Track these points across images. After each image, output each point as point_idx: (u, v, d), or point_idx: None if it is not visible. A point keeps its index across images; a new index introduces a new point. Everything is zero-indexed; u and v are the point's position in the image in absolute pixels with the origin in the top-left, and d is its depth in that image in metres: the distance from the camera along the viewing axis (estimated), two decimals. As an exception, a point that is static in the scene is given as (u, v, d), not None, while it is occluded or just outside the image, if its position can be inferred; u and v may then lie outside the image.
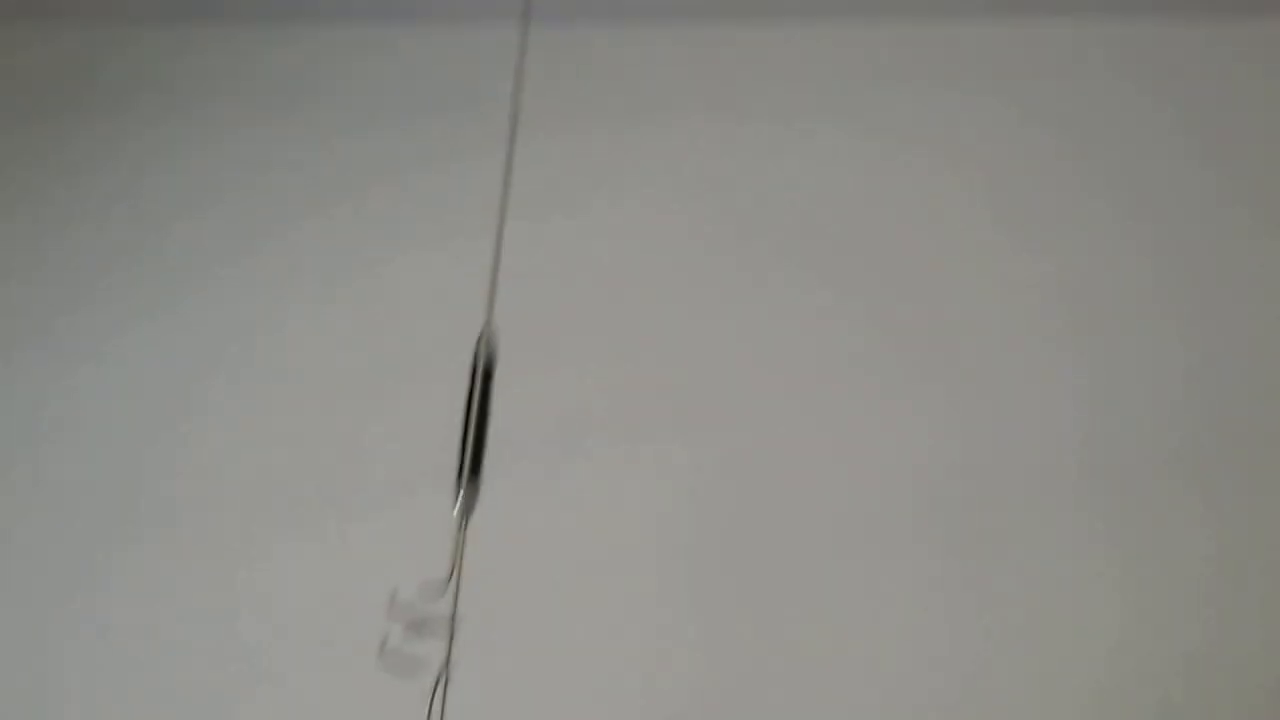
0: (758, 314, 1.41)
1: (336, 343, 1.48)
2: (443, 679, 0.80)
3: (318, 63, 1.64)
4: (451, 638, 0.81)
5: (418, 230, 1.51)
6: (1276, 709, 1.17)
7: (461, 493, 0.83)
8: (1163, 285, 1.35)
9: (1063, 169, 1.43)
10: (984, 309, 1.38)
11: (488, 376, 0.84)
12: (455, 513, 0.82)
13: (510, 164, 0.97)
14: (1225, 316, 1.33)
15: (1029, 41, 1.48)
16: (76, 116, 1.68)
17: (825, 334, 1.39)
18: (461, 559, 0.82)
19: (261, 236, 1.56)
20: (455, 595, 0.81)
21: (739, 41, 1.55)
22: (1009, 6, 1.47)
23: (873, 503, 1.31)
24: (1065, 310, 1.36)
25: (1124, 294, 1.35)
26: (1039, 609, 1.24)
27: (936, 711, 1.22)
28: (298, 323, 1.50)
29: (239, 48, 1.67)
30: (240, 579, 1.38)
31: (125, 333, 1.56)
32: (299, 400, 1.45)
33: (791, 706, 1.25)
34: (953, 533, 1.28)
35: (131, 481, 1.48)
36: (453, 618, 0.81)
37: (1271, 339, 1.31)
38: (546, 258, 1.41)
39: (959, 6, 1.49)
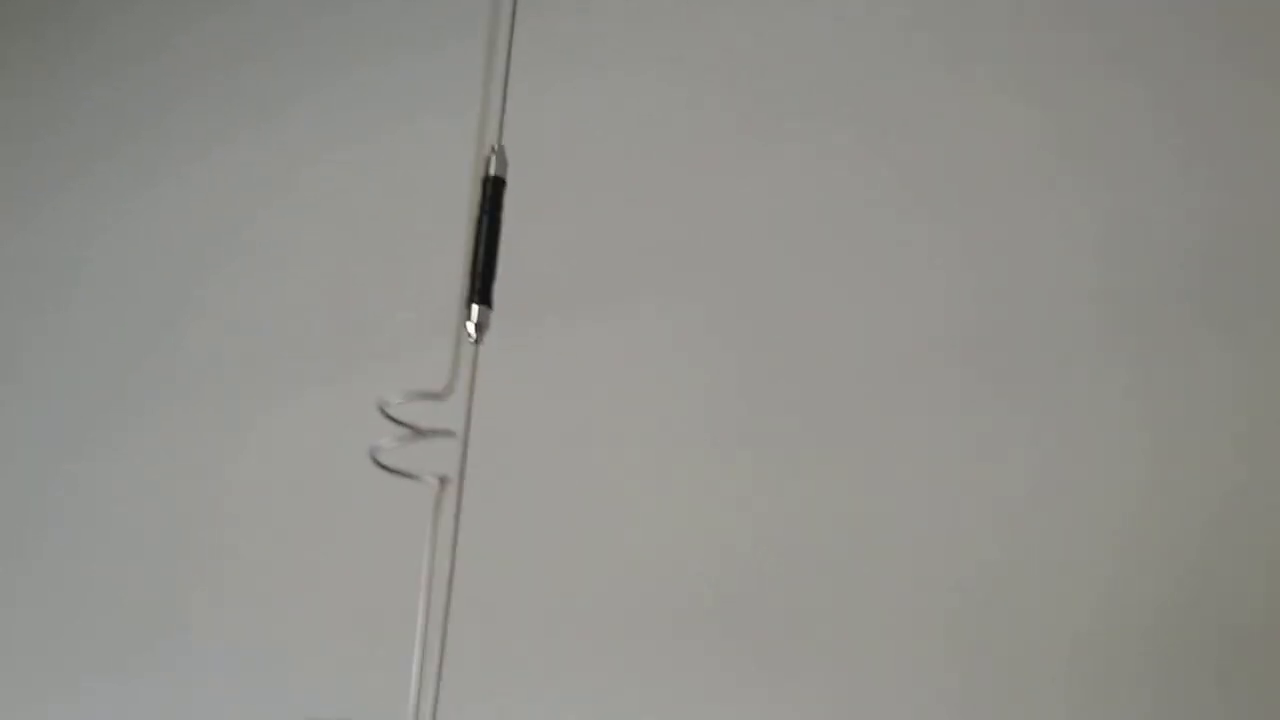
0: (770, 169, 1.39)
1: (342, 205, 1.48)
2: (453, 490, 0.76)
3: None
4: (464, 455, 0.78)
5: (423, 96, 1.49)
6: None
7: (475, 309, 0.79)
8: (1171, 123, 1.31)
9: (1066, 20, 1.39)
10: (994, 159, 1.34)
11: (499, 187, 0.81)
12: (470, 326, 0.78)
13: (514, 23, 0.93)
14: (1235, 150, 1.28)
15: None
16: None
17: (839, 188, 1.37)
18: (475, 373, 0.79)
19: (271, 101, 1.56)
20: (468, 409, 0.78)
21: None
22: None
23: (895, 351, 1.29)
24: (1075, 154, 1.32)
25: (1132, 135, 1.31)
26: (1065, 453, 1.21)
27: (964, 554, 1.21)
28: (305, 187, 1.51)
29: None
30: (247, 436, 1.38)
31: (134, 197, 1.57)
32: (307, 262, 1.45)
33: (820, 547, 1.24)
34: (976, 375, 1.26)
35: (140, 342, 1.50)
36: (465, 431, 0.78)
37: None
38: (553, 120, 1.39)
39: None
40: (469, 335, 0.79)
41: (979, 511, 1.22)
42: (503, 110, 0.85)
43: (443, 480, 0.74)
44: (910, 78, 1.39)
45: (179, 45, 1.66)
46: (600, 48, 1.49)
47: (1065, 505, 1.20)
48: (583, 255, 1.39)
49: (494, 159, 0.82)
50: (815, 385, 1.30)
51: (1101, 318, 1.25)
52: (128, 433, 1.49)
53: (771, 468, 1.29)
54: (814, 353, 1.31)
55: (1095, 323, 1.25)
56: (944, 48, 1.39)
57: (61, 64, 1.70)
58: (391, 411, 0.73)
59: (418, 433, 0.74)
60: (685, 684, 1.24)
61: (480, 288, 0.80)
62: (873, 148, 1.37)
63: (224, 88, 1.60)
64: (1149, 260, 1.26)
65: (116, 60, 1.68)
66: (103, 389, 1.52)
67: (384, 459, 0.75)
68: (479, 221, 0.81)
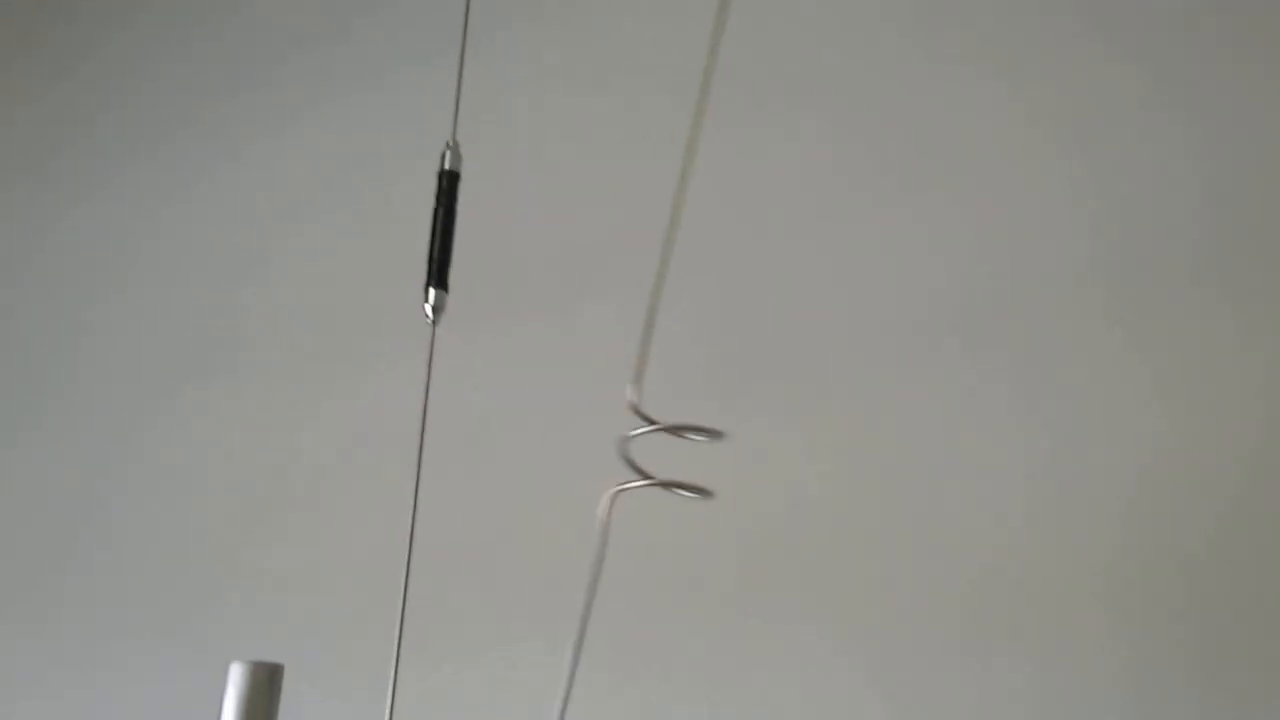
0: (754, 148, 1.42)
1: (348, 207, 1.58)
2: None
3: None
4: (421, 449, 0.85)
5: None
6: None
7: (432, 294, 0.87)
8: (1166, 86, 1.32)
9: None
10: (987, 129, 1.37)
11: (453, 182, 0.88)
12: (427, 308, 0.86)
13: (467, 28, 0.99)
14: (1233, 111, 1.29)
15: None
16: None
17: (828, 164, 1.41)
18: (432, 359, 0.86)
19: (299, 102, 1.68)
20: (425, 408, 0.85)
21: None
22: None
23: (897, 327, 1.34)
24: (1072, 122, 1.34)
25: (1129, 100, 1.33)
26: (1074, 424, 1.25)
27: (974, 527, 1.25)
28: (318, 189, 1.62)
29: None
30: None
31: (208, 173, 1.71)
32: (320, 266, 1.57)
33: (830, 522, 1.30)
34: (982, 349, 1.30)
35: (204, 320, 1.63)
36: (421, 432, 0.85)
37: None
38: (510, 106, 1.48)
39: None
40: (427, 317, 0.86)
41: (988, 484, 1.27)
42: (456, 107, 0.92)
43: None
44: (894, 65, 1.42)
45: (179, 64, 1.80)
46: (572, 36, 1.55)
47: (1077, 475, 1.23)
48: (576, 238, 1.46)
49: (449, 154, 0.89)
50: (822, 363, 1.36)
51: (1103, 283, 1.29)
52: (185, 406, 1.64)
53: (789, 434, 1.34)
54: (817, 331, 1.37)
55: (1097, 289, 1.29)
56: (927, 32, 1.42)
57: (126, 51, 1.85)
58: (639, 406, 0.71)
59: (671, 430, 0.71)
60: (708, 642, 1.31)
61: (437, 273, 0.87)
62: (870, 129, 1.41)
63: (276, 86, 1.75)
64: (1148, 227, 1.29)
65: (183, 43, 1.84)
66: (167, 362, 1.66)
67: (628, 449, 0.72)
68: (435, 212, 0.88)
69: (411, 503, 0.84)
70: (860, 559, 1.29)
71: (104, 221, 1.75)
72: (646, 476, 0.70)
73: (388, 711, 0.79)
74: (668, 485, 0.70)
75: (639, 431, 0.71)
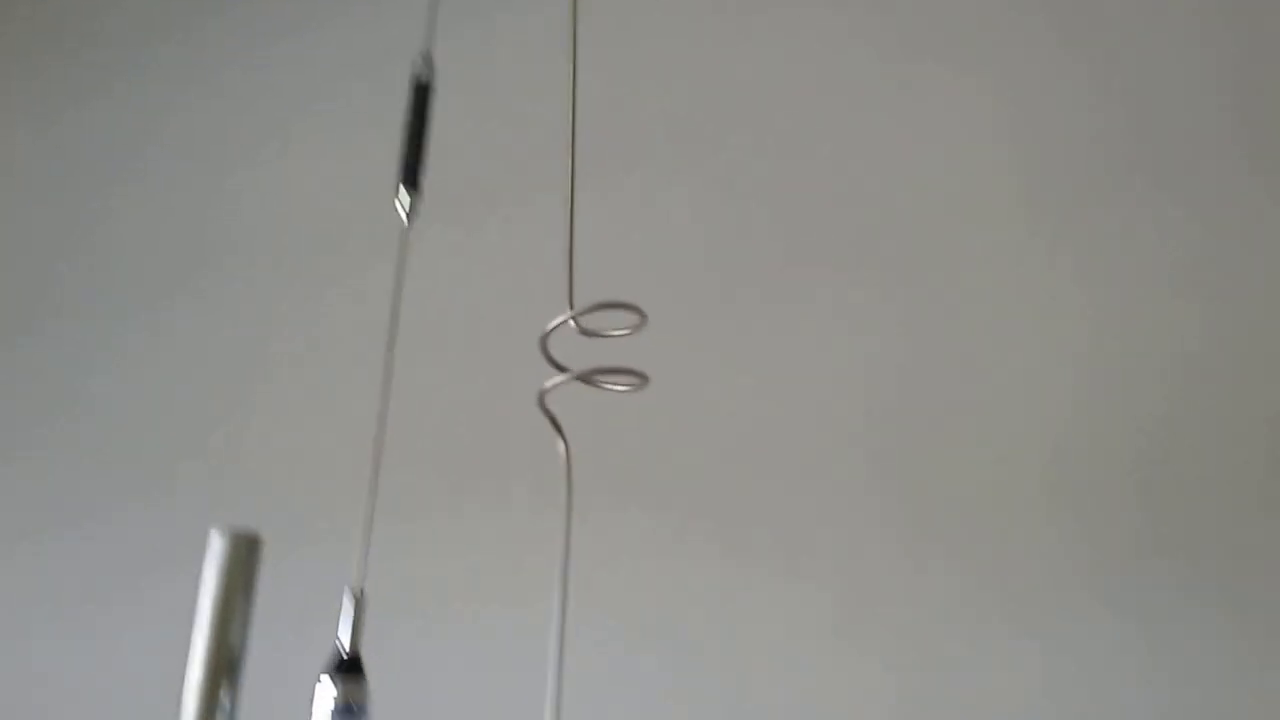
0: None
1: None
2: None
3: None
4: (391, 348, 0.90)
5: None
6: (1261, 405, 1.15)
7: (407, 199, 0.91)
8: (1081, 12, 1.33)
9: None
10: (906, 55, 1.43)
11: (424, 93, 0.93)
12: (401, 212, 0.90)
13: None
14: (1138, 35, 1.33)
15: None
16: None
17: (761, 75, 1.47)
18: (404, 262, 0.91)
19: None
20: (397, 298, 0.90)
21: None
22: None
23: (809, 239, 1.36)
24: (981, 44, 1.36)
25: (1039, 23, 1.33)
26: (1002, 332, 1.28)
27: (920, 422, 1.27)
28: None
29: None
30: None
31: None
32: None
33: (762, 439, 1.32)
34: (905, 259, 1.32)
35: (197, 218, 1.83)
36: (393, 320, 0.90)
37: (1185, 36, 1.32)
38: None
39: None
40: (401, 216, 0.91)
41: (918, 394, 1.32)
42: (432, 19, 0.96)
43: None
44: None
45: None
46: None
47: (1009, 380, 1.25)
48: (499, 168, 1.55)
49: (422, 65, 0.94)
50: (742, 283, 1.41)
51: (1020, 191, 1.35)
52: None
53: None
54: (750, 245, 1.44)
55: (1014, 197, 1.35)
56: None
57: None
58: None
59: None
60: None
61: (409, 176, 0.92)
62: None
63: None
64: (1062, 134, 1.34)
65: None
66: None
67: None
68: (409, 121, 0.93)
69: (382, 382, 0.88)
70: (802, 461, 1.31)
71: (94, 127, 1.88)
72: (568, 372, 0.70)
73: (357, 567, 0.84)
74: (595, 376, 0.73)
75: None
